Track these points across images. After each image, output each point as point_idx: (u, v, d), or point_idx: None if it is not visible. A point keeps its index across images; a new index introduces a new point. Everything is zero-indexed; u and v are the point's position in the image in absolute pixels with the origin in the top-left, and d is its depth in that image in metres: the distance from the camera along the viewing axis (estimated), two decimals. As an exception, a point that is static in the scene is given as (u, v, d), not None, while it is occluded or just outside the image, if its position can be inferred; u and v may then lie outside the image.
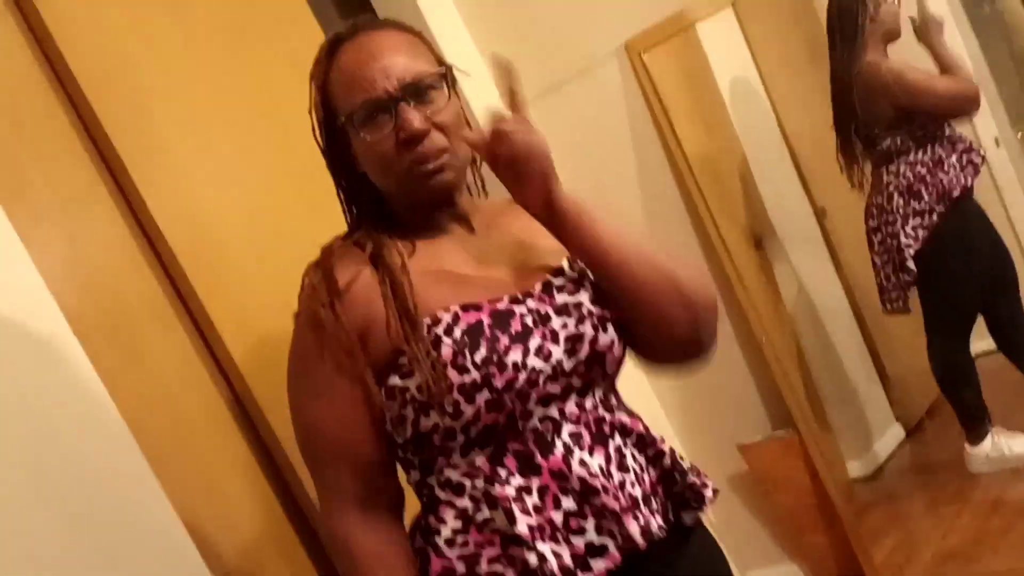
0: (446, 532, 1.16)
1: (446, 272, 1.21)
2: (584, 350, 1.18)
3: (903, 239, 2.44)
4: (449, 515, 1.16)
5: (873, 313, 2.76)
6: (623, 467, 1.17)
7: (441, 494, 1.18)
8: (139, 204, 1.61)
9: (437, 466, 1.18)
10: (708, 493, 1.24)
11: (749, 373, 2.39)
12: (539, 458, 1.14)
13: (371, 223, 1.26)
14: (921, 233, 2.44)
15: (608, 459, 1.17)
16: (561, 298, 1.20)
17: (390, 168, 1.20)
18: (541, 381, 1.14)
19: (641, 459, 1.21)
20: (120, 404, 1.41)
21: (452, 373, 1.11)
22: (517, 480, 1.14)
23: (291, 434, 1.56)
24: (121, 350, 1.52)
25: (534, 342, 1.14)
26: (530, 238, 1.28)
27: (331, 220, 1.60)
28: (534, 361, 1.13)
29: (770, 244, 2.63)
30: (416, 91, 1.18)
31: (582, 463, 1.14)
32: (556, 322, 1.17)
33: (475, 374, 1.11)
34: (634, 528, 1.13)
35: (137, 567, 1.34)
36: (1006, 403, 2.48)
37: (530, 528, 1.11)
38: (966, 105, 2.44)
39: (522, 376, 1.13)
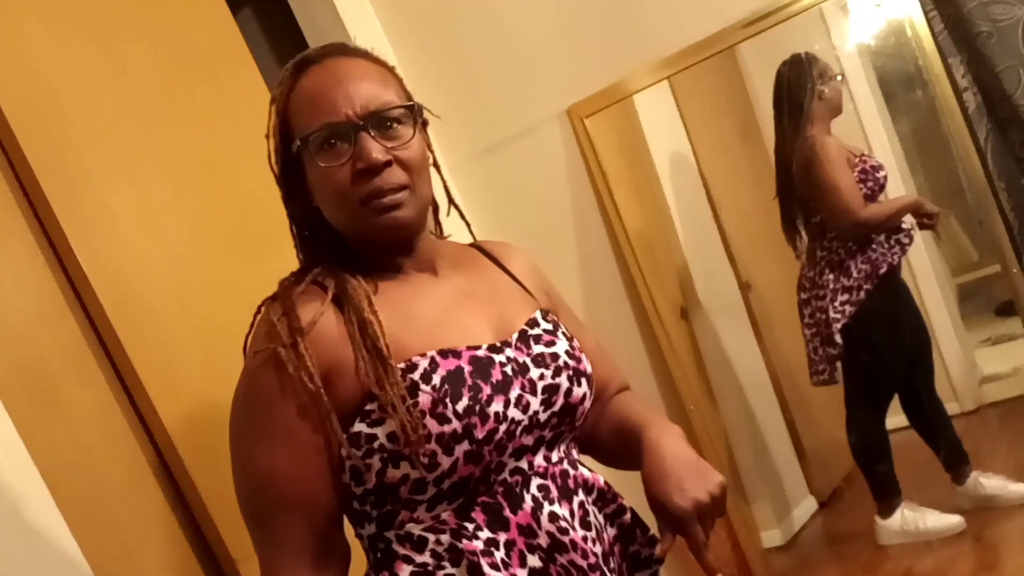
0: None
1: (413, 316, 1.15)
2: (559, 402, 1.15)
3: (832, 313, 2.51)
4: (405, 571, 1.10)
5: (792, 386, 2.83)
6: (585, 524, 1.15)
7: (399, 549, 1.12)
8: (64, 250, 1.54)
9: (398, 519, 1.12)
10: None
11: (675, 441, 2.41)
12: (507, 511, 1.10)
13: (329, 262, 1.17)
14: (848, 309, 2.51)
15: (572, 514, 1.14)
16: (538, 348, 1.18)
17: (344, 200, 1.12)
18: (518, 432, 1.11)
19: (601, 517, 1.19)
20: (36, 459, 1.35)
21: (431, 422, 1.05)
22: (485, 533, 1.09)
23: (217, 495, 1.55)
24: (38, 403, 1.44)
25: (514, 392, 1.11)
26: (498, 286, 1.25)
27: (268, 273, 1.57)
28: (514, 412, 1.10)
29: (695, 315, 2.68)
30: (380, 121, 1.12)
31: (552, 516, 1.11)
32: (534, 372, 1.14)
33: (456, 424, 1.06)
34: None
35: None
36: (917, 478, 2.55)
37: None
38: (846, 224, 2.54)
39: (503, 427, 1.09)
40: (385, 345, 1.08)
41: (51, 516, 1.34)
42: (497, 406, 1.09)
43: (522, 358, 1.15)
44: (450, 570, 1.09)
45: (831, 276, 2.53)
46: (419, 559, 1.11)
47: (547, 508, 1.11)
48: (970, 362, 2.85)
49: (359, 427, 1.08)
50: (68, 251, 1.53)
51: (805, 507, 2.81)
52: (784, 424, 2.82)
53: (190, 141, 1.77)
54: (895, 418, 2.65)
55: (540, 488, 1.13)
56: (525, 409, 1.11)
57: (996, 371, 2.89)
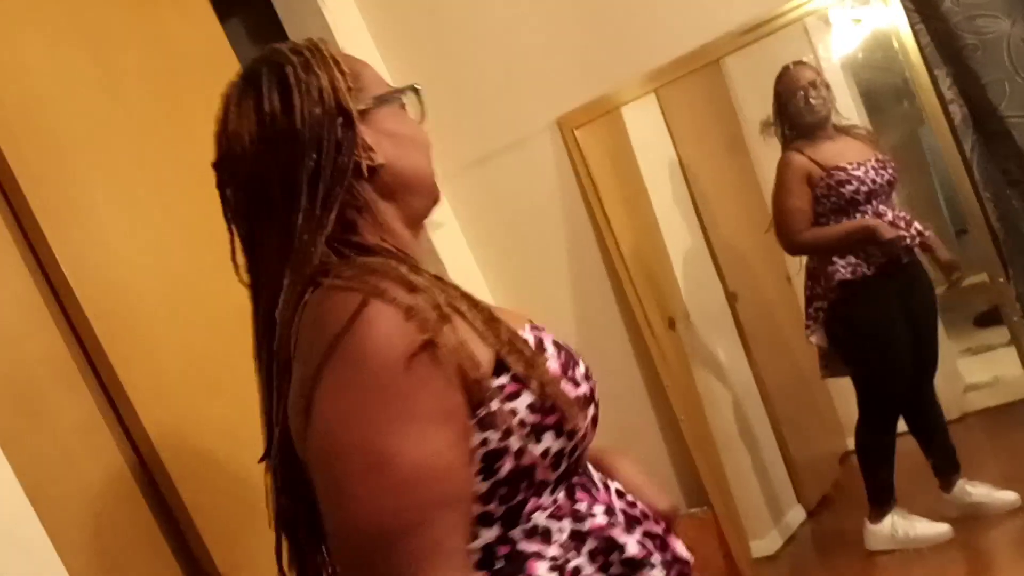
0: None
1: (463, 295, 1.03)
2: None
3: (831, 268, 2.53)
4: (542, 568, 0.97)
5: (780, 396, 2.84)
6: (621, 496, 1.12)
7: (528, 547, 0.99)
8: (49, 259, 1.51)
9: (525, 511, 0.99)
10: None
11: (666, 452, 2.42)
12: (595, 490, 1.05)
13: (365, 250, 1.04)
14: (821, 315, 2.54)
15: (620, 495, 1.11)
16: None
17: (429, 155, 1.15)
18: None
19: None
20: (18, 470, 1.32)
21: (568, 386, 1.00)
22: (598, 508, 1.02)
23: (203, 507, 1.53)
24: (21, 413, 1.42)
25: (580, 370, 1.05)
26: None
27: None
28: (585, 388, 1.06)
29: (684, 326, 2.69)
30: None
31: (618, 493, 1.09)
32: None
33: (584, 387, 1.03)
34: (679, 546, 1.09)
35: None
36: (904, 486, 2.56)
37: (640, 545, 1.03)
38: (785, 244, 2.62)
39: (597, 390, 1.07)
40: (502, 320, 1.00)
41: (32, 529, 1.32)
42: (582, 370, 1.06)
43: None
44: (576, 561, 0.99)
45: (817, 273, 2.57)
46: (550, 552, 0.99)
47: (611, 486, 1.09)
48: (953, 371, 2.87)
49: (493, 406, 0.94)
50: (52, 259, 1.51)
51: (794, 516, 2.82)
52: (772, 433, 2.84)
53: (178, 149, 1.75)
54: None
55: (585, 483, 1.06)
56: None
57: (977, 380, 2.92)
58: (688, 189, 2.82)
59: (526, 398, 0.96)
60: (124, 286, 1.59)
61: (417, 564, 0.89)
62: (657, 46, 2.26)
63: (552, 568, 0.97)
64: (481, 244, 2.45)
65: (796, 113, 2.60)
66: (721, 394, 2.79)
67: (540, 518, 1.00)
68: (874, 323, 2.56)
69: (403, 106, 1.14)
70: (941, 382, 2.71)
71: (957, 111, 2.02)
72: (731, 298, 2.84)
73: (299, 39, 1.08)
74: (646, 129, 2.67)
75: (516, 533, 0.99)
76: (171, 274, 1.66)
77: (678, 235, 2.78)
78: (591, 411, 1.03)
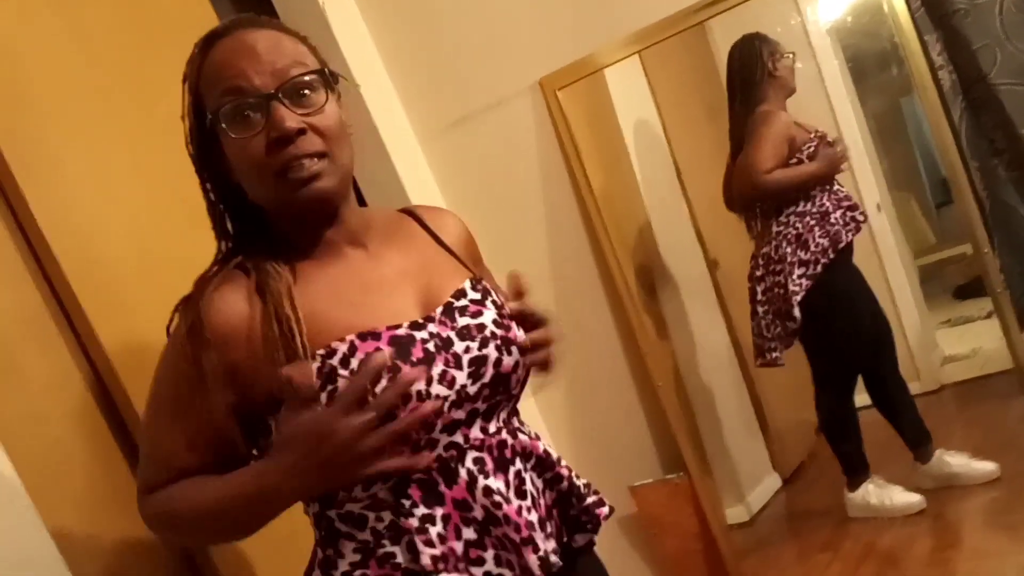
0: (343, 566, 1.12)
1: (339, 297, 1.14)
2: (488, 373, 1.14)
3: (791, 287, 2.52)
4: (348, 548, 1.13)
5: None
6: (521, 493, 1.16)
7: (342, 527, 1.14)
8: (25, 214, 1.50)
9: (338, 499, 1.13)
10: (604, 511, 1.24)
11: (644, 417, 2.41)
12: (443, 486, 1.12)
13: (251, 245, 1.17)
14: (806, 283, 2.53)
15: (507, 485, 1.15)
16: (463, 320, 1.16)
17: (261, 172, 1.11)
18: (445, 408, 1.10)
19: (539, 483, 1.20)
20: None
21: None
22: (421, 510, 1.10)
23: None
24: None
25: (437, 369, 1.10)
26: (428, 256, 1.25)
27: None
28: (438, 389, 1.09)
29: (663, 292, 2.67)
30: (292, 89, 1.11)
31: (486, 491, 1.12)
32: (459, 346, 1.14)
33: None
34: (532, 560, 1.12)
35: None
36: (882, 456, 2.57)
37: (433, 559, 1.09)
38: (745, 182, 2.59)
39: (428, 408, 1.08)
40: (303, 345, 1.07)
41: (11, 485, 1.30)
42: (419, 385, 1.08)
43: (446, 332, 1.15)
44: (389, 548, 1.11)
45: (788, 249, 2.54)
46: (360, 536, 1.13)
47: (482, 482, 1.12)
48: (931, 343, 2.88)
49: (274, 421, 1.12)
50: (28, 215, 1.49)
51: (769, 484, 2.82)
52: (749, 402, 2.83)
53: (153, 107, 1.71)
54: (860, 396, 2.67)
55: (475, 461, 1.13)
56: (451, 384, 1.11)
57: (956, 352, 2.92)
58: (671, 154, 2.79)
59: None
60: (100, 243, 1.58)
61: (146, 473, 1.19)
62: (641, 8, 2.22)
63: (357, 550, 1.12)
64: (460, 206, 2.39)
65: (787, 75, 2.56)
66: (699, 361, 2.78)
67: (354, 507, 1.13)
68: (850, 291, 2.58)
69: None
70: (920, 353, 2.72)
71: (946, 77, 1.99)
72: (711, 265, 2.82)
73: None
74: (629, 93, 2.63)
75: (332, 513, 1.14)
76: (146, 231, 1.65)
77: (659, 201, 2.74)
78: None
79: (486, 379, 1.14)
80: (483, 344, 1.15)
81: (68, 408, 1.49)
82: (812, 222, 2.54)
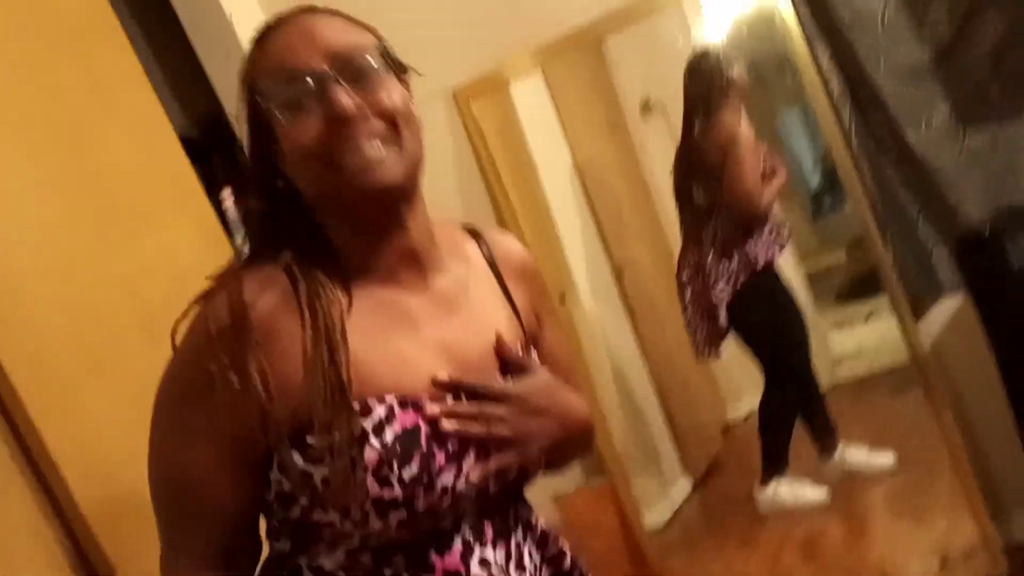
0: None
1: (385, 340, 1.00)
2: (512, 475, 1.04)
3: (716, 294, 2.58)
4: None
5: (664, 367, 2.89)
6: (521, 566, 1.06)
7: (307, 574, 1.02)
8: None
9: (313, 550, 1.01)
10: None
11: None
12: (433, 555, 0.99)
13: (301, 252, 1.00)
14: (728, 293, 2.60)
15: (508, 556, 1.04)
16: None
17: (314, 159, 0.96)
18: (462, 502, 1.00)
19: (537, 558, 1.10)
20: None
21: (371, 482, 0.93)
22: None
23: (93, 496, 1.45)
24: None
25: (467, 463, 0.99)
26: (486, 300, 1.11)
27: (142, 253, 1.43)
28: (463, 486, 0.98)
29: (572, 300, 2.71)
30: (350, 70, 0.97)
31: (482, 562, 1.01)
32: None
33: (398, 491, 0.94)
34: None
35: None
36: (793, 451, 2.65)
37: None
38: (748, 207, 2.60)
39: (447, 501, 0.97)
40: (348, 381, 0.94)
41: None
42: (447, 479, 0.97)
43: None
44: None
45: (713, 260, 2.61)
46: None
47: (478, 553, 1.01)
48: (823, 345, 2.98)
49: (295, 458, 0.95)
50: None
51: (682, 486, 2.88)
52: (659, 405, 2.89)
53: (56, 118, 1.65)
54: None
55: (473, 529, 1.03)
56: (476, 482, 1.00)
57: (842, 352, 3.04)
58: (575, 165, 2.84)
59: (326, 471, 0.93)
60: (3, 261, 1.48)
61: (167, 545, 1.03)
62: (543, 23, 2.27)
63: None
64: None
65: (743, 82, 2.55)
66: (609, 367, 2.82)
67: (327, 562, 1.00)
68: (774, 296, 2.66)
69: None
70: (814, 354, 2.82)
71: (835, 84, 2.10)
72: (617, 272, 2.87)
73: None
74: (535, 107, 2.67)
75: (303, 561, 1.01)
76: (53, 246, 1.57)
77: (567, 210, 2.79)
78: (395, 515, 0.95)
79: (509, 478, 1.04)
80: None
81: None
82: (738, 235, 2.60)
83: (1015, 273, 1.86)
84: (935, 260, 2.08)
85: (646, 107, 2.96)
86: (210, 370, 0.94)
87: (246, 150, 1.06)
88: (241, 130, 1.05)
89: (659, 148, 2.89)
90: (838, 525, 2.53)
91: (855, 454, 2.57)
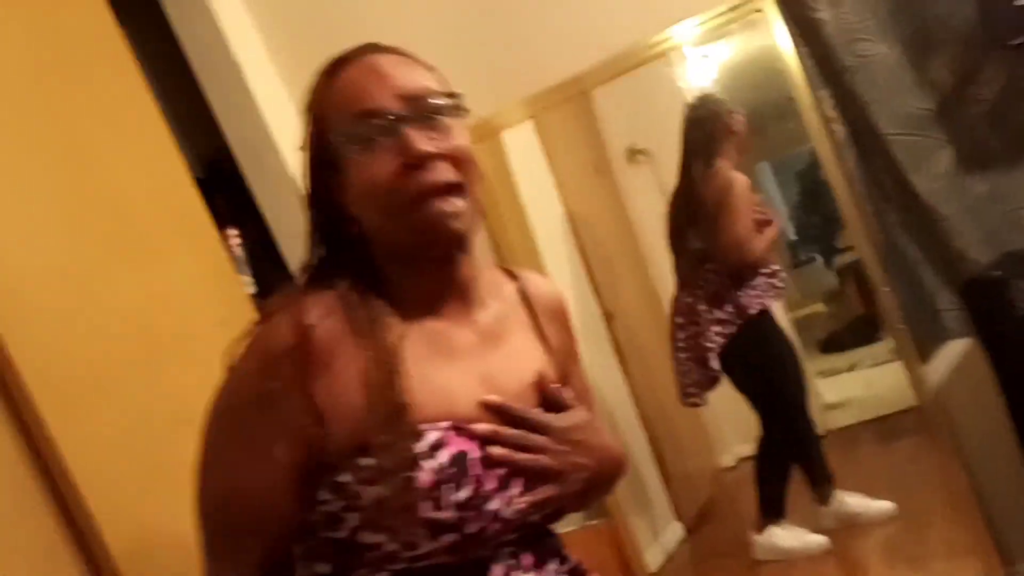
0: None
1: (436, 368, 1.03)
2: (550, 509, 1.06)
3: (708, 341, 2.58)
4: None
5: (654, 414, 2.88)
6: None
7: None
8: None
9: (356, 573, 1.01)
10: None
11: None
12: None
13: (355, 281, 1.03)
14: (720, 340, 2.60)
15: None
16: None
17: (391, 200, 1.00)
18: (507, 530, 1.02)
19: None
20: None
21: (424, 504, 0.95)
22: None
23: (106, 498, 1.43)
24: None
25: (515, 490, 1.01)
26: (522, 338, 1.14)
27: (150, 278, 1.49)
28: (508, 513, 1.01)
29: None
30: (424, 113, 1.01)
31: None
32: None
33: (450, 514, 0.96)
34: None
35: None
36: (791, 498, 2.64)
37: None
38: (741, 257, 2.62)
39: (495, 526, 1.00)
40: (407, 404, 0.97)
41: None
42: (496, 504, 0.99)
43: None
44: None
45: (705, 307, 2.61)
46: None
47: None
48: (815, 391, 3.00)
49: (346, 478, 0.97)
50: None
51: (673, 531, 2.85)
52: (650, 451, 2.87)
53: (69, 150, 1.65)
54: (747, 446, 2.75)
55: (512, 556, 1.04)
56: (520, 511, 1.03)
57: (829, 401, 3.06)
58: (565, 211, 2.85)
59: (377, 491, 0.96)
60: (16, 285, 1.48)
61: (211, 560, 1.06)
62: (534, 74, 2.33)
63: None
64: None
65: (742, 130, 2.60)
66: (599, 412, 2.79)
67: None
68: (786, 342, 2.68)
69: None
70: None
71: (839, 130, 2.13)
72: (607, 317, 2.87)
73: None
74: (525, 154, 2.69)
75: None
76: (63, 271, 1.56)
77: (557, 257, 2.79)
78: (446, 538, 0.97)
79: (547, 510, 1.06)
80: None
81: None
82: (730, 283, 2.61)
83: (1020, 319, 1.87)
84: (939, 305, 2.09)
85: (632, 155, 2.99)
86: (271, 388, 0.97)
87: (302, 179, 1.09)
88: (300, 160, 1.08)
89: (644, 195, 2.93)
90: (835, 573, 2.52)
91: (852, 501, 2.56)
